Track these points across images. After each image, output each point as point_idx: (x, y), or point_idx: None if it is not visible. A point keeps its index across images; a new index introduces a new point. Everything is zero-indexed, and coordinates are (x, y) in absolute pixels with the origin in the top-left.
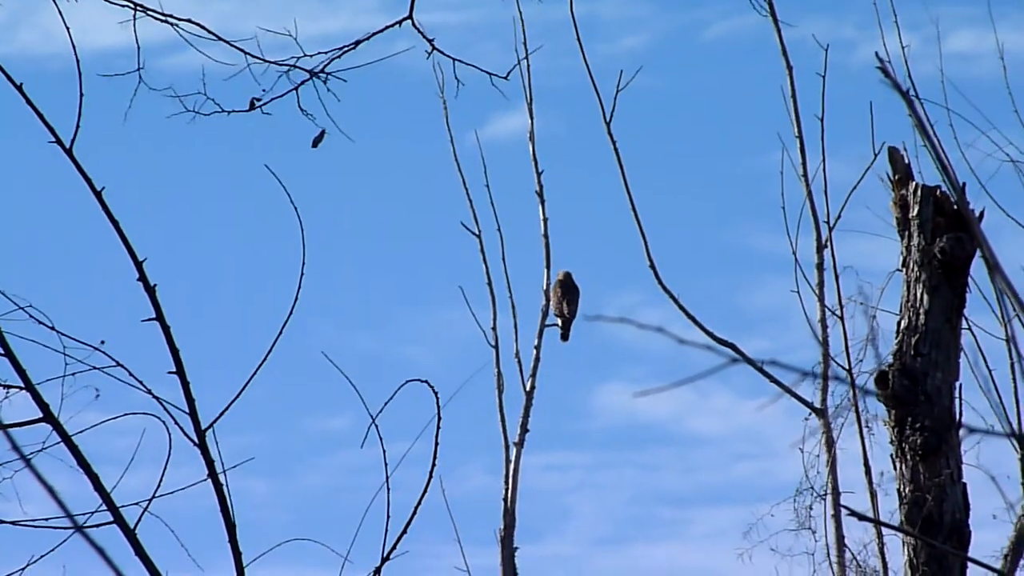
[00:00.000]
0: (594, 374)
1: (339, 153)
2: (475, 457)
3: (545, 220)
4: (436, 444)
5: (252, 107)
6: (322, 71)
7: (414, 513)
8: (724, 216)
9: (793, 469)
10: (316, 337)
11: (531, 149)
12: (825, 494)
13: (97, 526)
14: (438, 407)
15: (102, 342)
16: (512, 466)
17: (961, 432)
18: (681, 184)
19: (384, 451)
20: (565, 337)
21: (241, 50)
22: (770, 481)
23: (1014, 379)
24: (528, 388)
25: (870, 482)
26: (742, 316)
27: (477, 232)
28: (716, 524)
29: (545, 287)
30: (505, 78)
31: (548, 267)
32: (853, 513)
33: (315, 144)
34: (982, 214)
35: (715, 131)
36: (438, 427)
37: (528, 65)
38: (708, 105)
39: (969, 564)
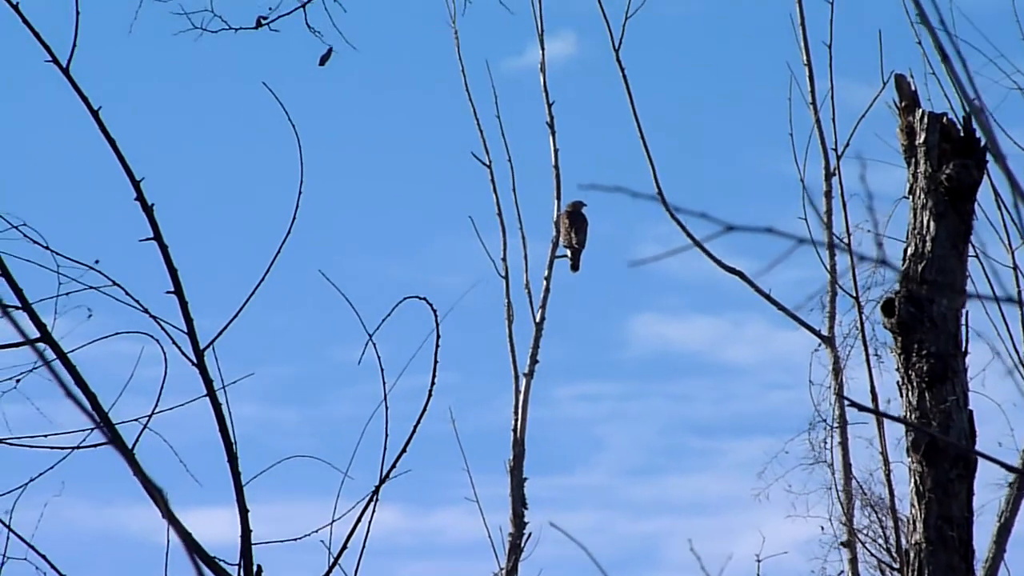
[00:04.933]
0: (628, 305)
1: (346, 73)
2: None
3: (556, 151)
4: (435, 361)
5: (259, 25)
6: None
7: (413, 431)
8: (757, 144)
9: (823, 398)
10: (349, 265)
11: (542, 80)
12: (835, 425)
13: (95, 446)
14: (436, 323)
15: (96, 261)
16: (521, 397)
17: (964, 298)
18: (708, 110)
19: (382, 370)
20: (575, 267)
21: None
22: (804, 410)
23: (1021, 305)
24: (538, 319)
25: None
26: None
27: (488, 162)
28: (748, 454)
29: (556, 218)
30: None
31: (559, 198)
32: (854, 404)
33: (322, 62)
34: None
35: (742, 57)
36: (437, 344)
37: None
38: (726, 31)
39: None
